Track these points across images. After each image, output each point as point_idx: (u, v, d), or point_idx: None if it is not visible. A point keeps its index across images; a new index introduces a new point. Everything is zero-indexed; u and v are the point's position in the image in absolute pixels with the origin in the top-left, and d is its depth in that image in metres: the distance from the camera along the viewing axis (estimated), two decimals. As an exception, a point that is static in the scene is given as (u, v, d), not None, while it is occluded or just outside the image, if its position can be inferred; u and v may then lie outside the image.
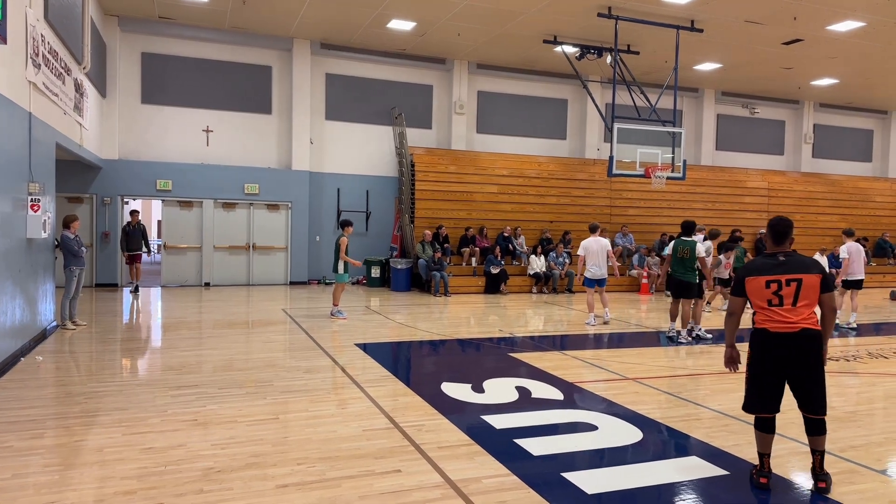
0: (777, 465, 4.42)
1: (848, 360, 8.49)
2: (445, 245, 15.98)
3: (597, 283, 10.80)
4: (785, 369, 4.10)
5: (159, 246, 18.22)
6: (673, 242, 9.59)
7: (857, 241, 11.45)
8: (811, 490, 4.12)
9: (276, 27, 15.36)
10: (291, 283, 16.43)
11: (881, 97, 21.23)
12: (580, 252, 10.91)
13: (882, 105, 22.55)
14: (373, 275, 16.35)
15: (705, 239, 11.10)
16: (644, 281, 16.72)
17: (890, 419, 5.92)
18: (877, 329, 11.38)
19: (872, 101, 22.00)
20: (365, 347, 8.60)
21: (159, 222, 18.58)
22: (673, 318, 9.60)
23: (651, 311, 13.36)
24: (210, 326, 10.33)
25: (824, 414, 4.11)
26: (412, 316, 11.78)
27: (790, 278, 4.06)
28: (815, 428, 4.14)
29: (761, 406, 4.20)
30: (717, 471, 4.47)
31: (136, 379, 7.01)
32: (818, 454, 4.14)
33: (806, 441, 4.27)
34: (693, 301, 9.61)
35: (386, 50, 16.85)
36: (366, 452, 4.65)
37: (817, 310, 4.15)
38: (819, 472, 4.13)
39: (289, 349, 8.58)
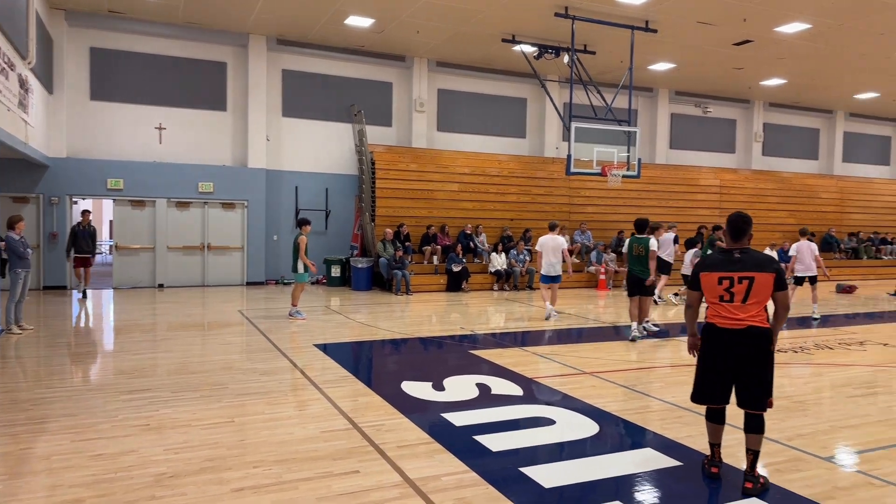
0: (729, 456, 4.54)
1: (796, 352, 8.78)
2: (407, 243, 15.95)
3: (551, 280, 11.15)
4: (729, 363, 4.16)
5: (111, 247, 17.69)
6: (628, 240, 9.72)
7: (809, 239, 12.20)
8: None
9: (230, 22, 15.06)
10: (248, 284, 16.16)
11: (827, 97, 22.01)
12: (537, 248, 11.39)
13: (827, 105, 23.39)
14: (333, 274, 16.21)
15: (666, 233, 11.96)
16: (602, 277, 16.99)
17: (835, 408, 6.15)
18: (823, 321, 11.81)
19: (819, 101, 22.80)
20: (324, 348, 8.51)
21: (111, 222, 18.04)
22: (633, 318, 9.46)
23: (608, 307, 13.59)
24: (164, 329, 10.08)
25: (762, 410, 4.12)
26: (373, 315, 11.72)
27: (742, 276, 4.10)
28: (751, 425, 4.15)
29: (709, 397, 4.29)
30: (671, 462, 4.58)
31: (85, 384, 6.79)
32: (751, 453, 4.13)
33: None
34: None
35: (344, 46, 16.71)
36: (324, 454, 4.60)
37: (772, 307, 4.22)
38: (748, 473, 4.11)
39: (245, 351, 8.43)
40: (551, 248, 11.02)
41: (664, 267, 12.66)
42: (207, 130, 15.96)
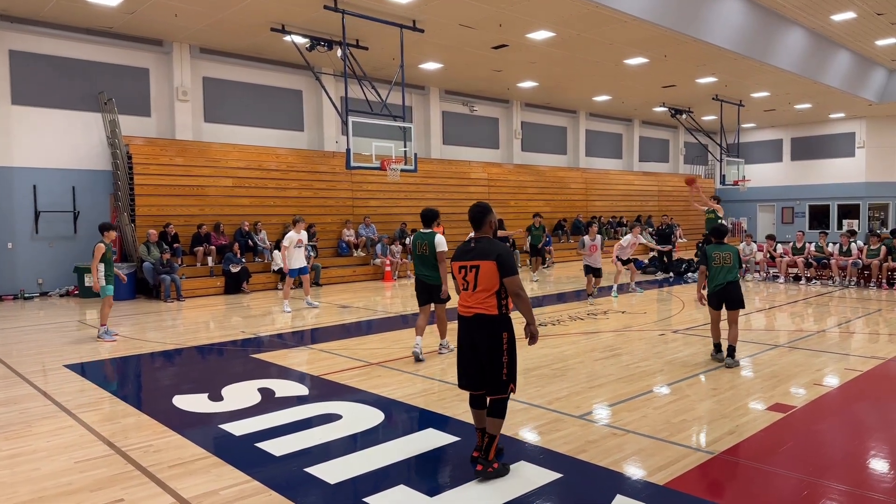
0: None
1: (554, 324, 9.85)
2: (175, 245, 14.68)
3: (298, 273, 12.02)
4: (471, 351, 4.23)
5: None
6: (412, 237, 8.19)
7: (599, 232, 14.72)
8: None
9: (-69, -12, 12.44)
10: (-23, 302, 13.60)
11: (571, 98, 24.96)
12: (285, 243, 12.01)
13: (572, 105, 26.54)
14: (86, 283, 14.28)
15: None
16: (387, 269, 17.39)
17: (585, 371, 7.00)
18: (577, 296, 13.39)
19: (565, 102, 25.77)
20: (80, 368, 7.49)
21: None
22: (419, 331, 7.58)
23: (395, 297, 13.94)
24: None
25: (501, 394, 4.14)
26: (139, 326, 10.61)
27: (472, 265, 4.17)
28: (490, 409, 4.18)
29: (464, 383, 4.33)
30: (451, 438, 4.85)
31: None
32: (487, 436, 4.13)
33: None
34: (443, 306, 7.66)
35: (89, 27, 14.76)
36: (80, 486, 4.06)
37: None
38: (481, 456, 4.11)
39: (-26, 381, 7.08)
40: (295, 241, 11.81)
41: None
42: None
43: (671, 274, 17.42)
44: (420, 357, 7.43)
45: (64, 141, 14.84)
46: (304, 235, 12.06)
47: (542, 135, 26.43)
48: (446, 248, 7.31)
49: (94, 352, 8.51)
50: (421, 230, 7.47)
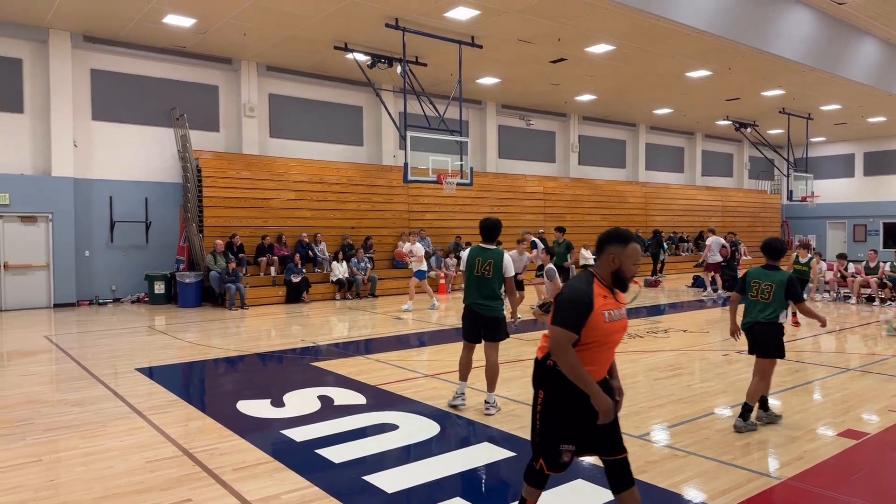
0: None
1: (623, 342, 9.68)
2: (240, 255, 15.20)
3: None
4: None
5: None
6: (467, 252, 6.12)
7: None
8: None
9: (26, 15, 13.37)
10: (56, 306, 14.40)
11: (631, 111, 24.61)
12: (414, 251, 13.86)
13: (632, 119, 26.16)
14: (156, 291, 14.94)
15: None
16: (442, 281, 17.50)
17: (645, 390, 6.86)
18: (637, 313, 13.13)
19: (624, 115, 25.42)
20: (149, 372, 7.85)
21: None
22: (463, 376, 6.12)
23: (449, 310, 14.01)
24: (-52, 363, 8.67)
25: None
26: (204, 333, 11.02)
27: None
28: None
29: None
30: (507, 453, 4.84)
31: None
32: None
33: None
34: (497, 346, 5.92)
35: (164, 47, 15.56)
36: (151, 485, 4.25)
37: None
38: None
39: (55, 381, 7.52)
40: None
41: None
42: (0, 135, 14.02)
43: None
44: (458, 406, 5.99)
45: (139, 154, 15.65)
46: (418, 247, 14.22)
47: (600, 148, 26.14)
48: (512, 270, 5.84)
49: (163, 355, 8.89)
50: (480, 245, 5.90)
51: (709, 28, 13.73)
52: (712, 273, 16.68)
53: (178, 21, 13.67)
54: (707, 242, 16.94)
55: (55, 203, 14.36)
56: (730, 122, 25.30)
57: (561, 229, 13.96)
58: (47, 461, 4.75)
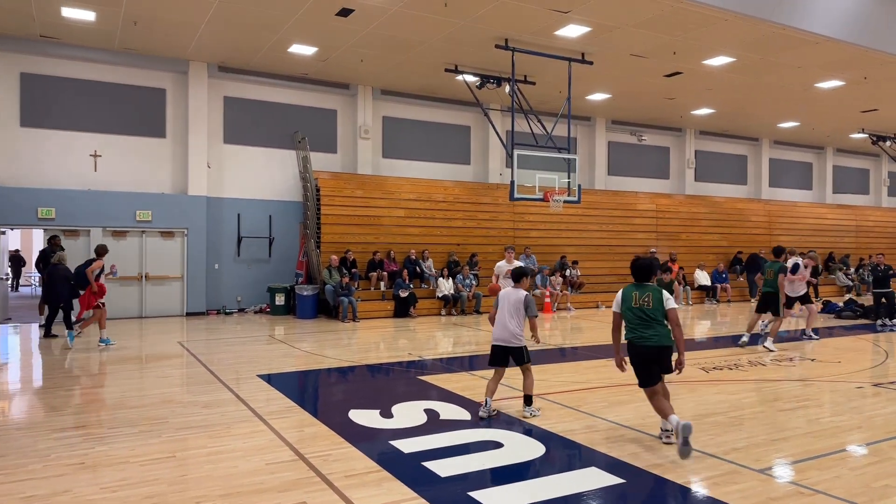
0: (667, 471, 4.67)
1: (731, 369, 9.15)
2: (353, 270, 15.86)
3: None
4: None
5: (40, 278, 16.85)
6: (622, 291, 5.81)
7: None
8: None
9: (170, 49, 14.84)
10: (188, 315, 15.69)
11: (752, 125, 23.28)
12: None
13: (753, 133, 24.73)
14: (277, 302, 15.91)
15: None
16: (547, 300, 17.30)
17: (768, 422, 6.41)
18: (754, 340, 12.30)
19: (745, 129, 24.08)
20: (269, 378, 8.35)
21: (41, 252, 17.20)
22: (666, 414, 5.46)
23: (554, 330, 13.82)
24: (98, 363, 9.67)
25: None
26: (319, 343, 11.56)
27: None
28: None
29: None
30: (614, 479, 4.69)
31: (13, 422, 6.44)
32: None
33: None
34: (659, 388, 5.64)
35: (288, 74, 16.68)
36: (269, 486, 4.51)
37: None
38: None
39: (186, 384, 8.18)
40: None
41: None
42: (146, 158, 15.58)
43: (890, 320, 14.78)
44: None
45: (264, 175, 16.81)
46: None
47: (719, 164, 24.89)
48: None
49: (282, 363, 9.43)
50: (634, 284, 5.76)
51: (840, 35, 12.81)
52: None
53: (302, 50, 14.61)
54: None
55: (190, 220, 15.71)
56: (866, 135, 23.29)
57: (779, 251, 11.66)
58: (179, 457, 5.17)
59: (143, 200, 15.26)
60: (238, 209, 16.46)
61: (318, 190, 16.52)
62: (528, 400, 6.54)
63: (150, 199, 15.35)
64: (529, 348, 6.59)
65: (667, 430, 5.60)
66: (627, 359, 5.68)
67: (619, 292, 5.82)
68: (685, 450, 4.99)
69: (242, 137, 16.60)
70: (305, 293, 15.28)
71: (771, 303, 11.01)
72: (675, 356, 5.50)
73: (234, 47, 14.66)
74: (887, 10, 13.24)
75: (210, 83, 16.04)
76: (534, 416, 6.41)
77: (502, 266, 11.05)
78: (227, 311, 16.12)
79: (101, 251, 11.39)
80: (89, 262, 11.16)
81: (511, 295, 6.59)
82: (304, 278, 16.15)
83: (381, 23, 12.79)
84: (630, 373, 5.70)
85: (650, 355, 5.48)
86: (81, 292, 11.15)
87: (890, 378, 8.61)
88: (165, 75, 15.72)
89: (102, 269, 11.20)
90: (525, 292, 6.60)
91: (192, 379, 8.38)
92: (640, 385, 5.62)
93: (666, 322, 5.51)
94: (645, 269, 5.73)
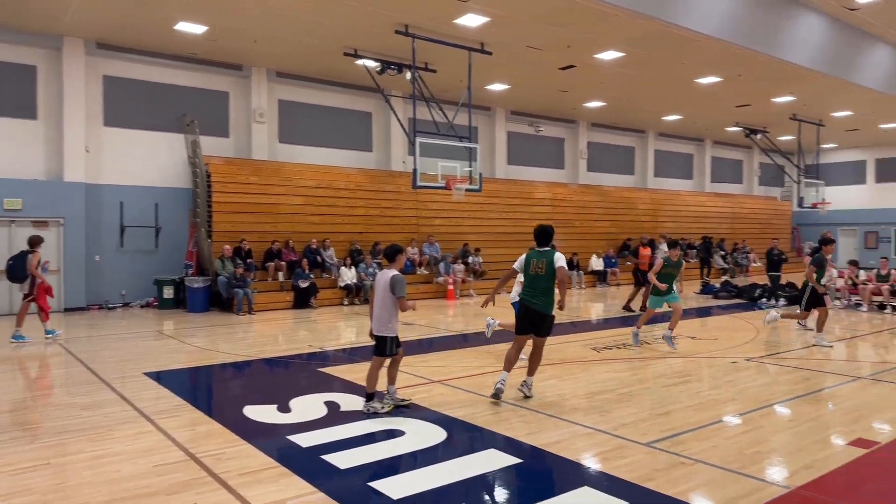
0: (563, 450, 4.85)
1: (619, 348, 9.64)
2: (248, 260, 15.26)
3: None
4: None
5: None
6: (523, 257, 6.80)
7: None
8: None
9: (41, 24, 13.53)
10: (66, 310, 14.50)
11: (640, 118, 24.56)
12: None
13: (641, 125, 26.10)
14: (165, 296, 15.01)
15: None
16: (450, 287, 17.49)
17: (653, 397, 6.81)
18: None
19: (633, 122, 25.37)
20: (157, 376, 7.88)
21: None
22: (507, 367, 6.60)
23: (457, 316, 13.99)
24: (-41, 366, 8.74)
25: None
26: (212, 338, 11.05)
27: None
28: None
29: None
30: (513, 459, 4.81)
31: None
32: None
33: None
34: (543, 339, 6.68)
35: (175, 53, 15.70)
36: (158, 489, 4.26)
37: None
38: None
39: (63, 385, 7.56)
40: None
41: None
42: (14, 141, 14.16)
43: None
44: (500, 396, 6.40)
45: (150, 160, 15.76)
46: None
47: (609, 155, 26.10)
48: (566, 268, 6.48)
49: (171, 360, 8.93)
50: (536, 249, 6.62)
51: (719, 34, 13.70)
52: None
53: (190, 28, 13.79)
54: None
55: (67, 208, 14.49)
56: (740, 129, 25.20)
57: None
58: (56, 464, 4.77)
59: (10, 187, 13.88)
60: (121, 196, 15.35)
61: (209, 176, 15.72)
62: (370, 398, 6.17)
63: (19, 186, 14.00)
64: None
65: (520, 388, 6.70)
66: (493, 303, 7.13)
67: (524, 255, 6.78)
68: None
69: (125, 120, 15.48)
70: (196, 285, 14.53)
71: (799, 298, 10.53)
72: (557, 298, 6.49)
73: (113, 23, 13.58)
74: (760, 12, 14.31)
75: (87, 61, 14.80)
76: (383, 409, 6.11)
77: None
78: (111, 305, 15.07)
79: (37, 241, 10.55)
80: (24, 255, 10.32)
81: (380, 278, 6.29)
82: (195, 270, 15.34)
83: (275, 2, 12.30)
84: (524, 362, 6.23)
85: (534, 317, 6.56)
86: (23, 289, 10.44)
87: (760, 353, 9.40)
88: (36, 51, 14.33)
89: (39, 261, 10.40)
90: (393, 272, 6.20)
91: (71, 379, 7.76)
92: (516, 333, 6.77)
93: (554, 286, 6.45)
94: (545, 234, 6.60)
